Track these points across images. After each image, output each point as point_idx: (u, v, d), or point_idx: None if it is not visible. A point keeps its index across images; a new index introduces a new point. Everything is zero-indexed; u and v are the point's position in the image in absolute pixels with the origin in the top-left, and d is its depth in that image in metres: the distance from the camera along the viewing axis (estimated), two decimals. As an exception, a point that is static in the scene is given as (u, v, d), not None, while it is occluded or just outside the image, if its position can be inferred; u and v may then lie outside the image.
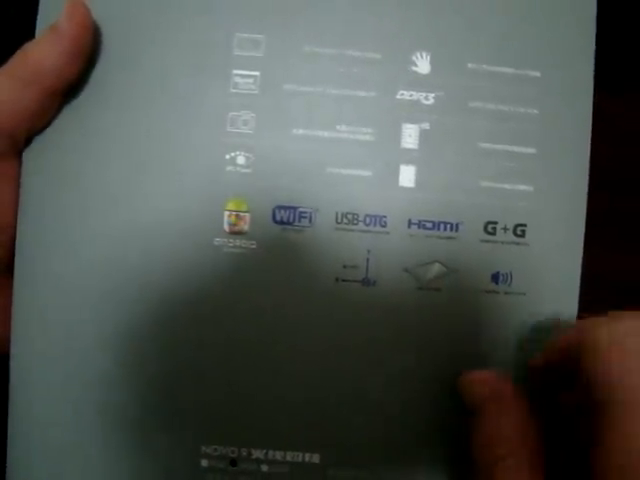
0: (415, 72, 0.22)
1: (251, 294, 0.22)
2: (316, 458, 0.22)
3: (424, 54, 0.22)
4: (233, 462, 0.22)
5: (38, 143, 0.22)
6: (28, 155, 0.22)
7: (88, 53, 0.21)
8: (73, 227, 0.22)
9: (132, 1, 0.22)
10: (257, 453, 0.22)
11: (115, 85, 0.22)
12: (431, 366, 0.22)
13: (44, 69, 0.20)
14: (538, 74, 0.22)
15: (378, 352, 0.22)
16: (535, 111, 0.22)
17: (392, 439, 0.22)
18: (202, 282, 0.22)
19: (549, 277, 0.22)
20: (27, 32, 0.21)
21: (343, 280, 0.22)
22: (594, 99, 0.23)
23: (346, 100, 0.22)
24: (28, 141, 0.22)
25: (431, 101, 0.22)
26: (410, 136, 0.22)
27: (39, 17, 0.21)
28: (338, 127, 0.22)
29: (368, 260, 0.22)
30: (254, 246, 0.22)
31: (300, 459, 0.22)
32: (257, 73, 0.22)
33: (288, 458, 0.22)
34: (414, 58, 0.22)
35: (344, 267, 0.22)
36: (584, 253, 0.23)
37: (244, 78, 0.22)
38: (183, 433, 0.22)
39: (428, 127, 0.22)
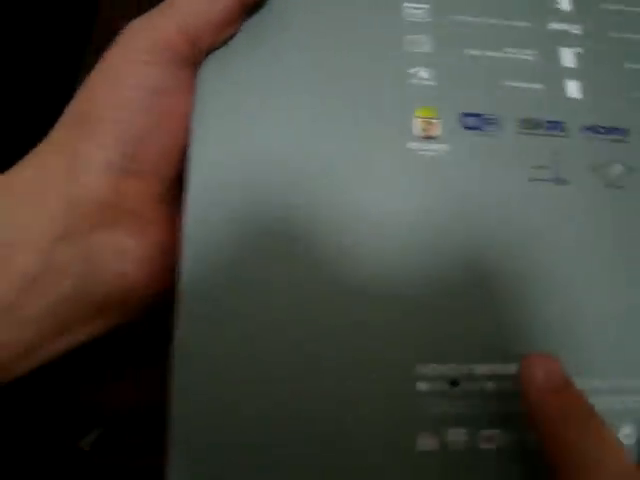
0: (558, 9, 0.25)
1: (449, 196, 0.21)
2: None
3: (563, -4, 0.25)
4: (454, 382, 0.20)
5: (214, 61, 0.22)
6: (205, 69, 0.22)
7: None
8: (245, 138, 0.21)
9: None
10: (480, 369, 0.20)
11: (298, 11, 0.23)
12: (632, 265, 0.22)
13: None
14: None
15: (583, 254, 0.22)
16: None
17: (621, 345, 0.21)
18: (400, 184, 0.21)
19: None
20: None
21: (536, 179, 0.22)
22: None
23: (506, 28, 0.24)
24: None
25: (578, 31, 0.25)
26: (568, 57, 0.24)
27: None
28: (505, 49, 0.24)
29: (556, 161, 0.22)
30: (447, 149, 0.22)
31: None
32: (427, 6, 0.24)
33: (514, 371, 0.20)
34: (556, -1, 0.25)
35: (534, 167, 0.22)
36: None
37: (416, 10, 0.24)
38: (394, 350, 0.20)
39: (582, 51, 0.24)
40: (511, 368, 0.20)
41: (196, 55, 0.21)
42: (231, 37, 0.22)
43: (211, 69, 0.22)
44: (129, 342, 0.27)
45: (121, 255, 0.20)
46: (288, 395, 0.19)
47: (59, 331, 0.20)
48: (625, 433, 0.20)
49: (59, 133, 0.20)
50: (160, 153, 0.21)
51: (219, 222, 0.20)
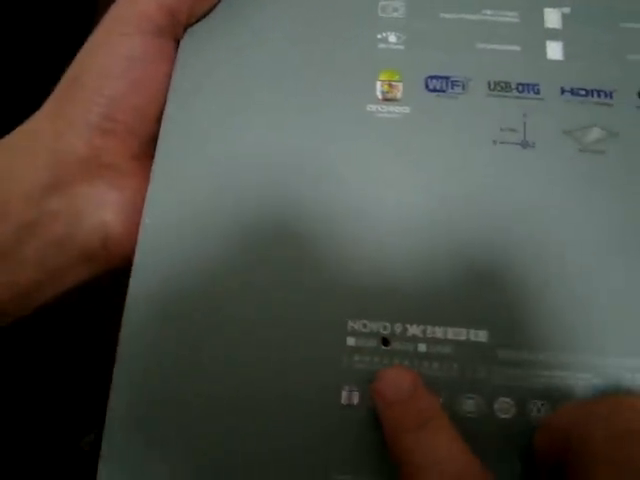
0: (550, -31, 0.24)
1: (406, 158, 0.21)
2: (483, 336, 0.20)
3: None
4: (385, 341, 0.20)
5: (195, 34, 0.23)
6: (185, 42, 0.23)
7: None
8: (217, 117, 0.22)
9: None
10: (414, 330, 0.20)
11: None
12: (600, 232, 0.20)
13: None
14: None
15: (541, 218, 0.21)
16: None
17: (565, 319, 0.20)
18: (356, 145, 0.21)
19: None
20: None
21: (501, 142, 0.21)
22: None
23: (488, -9, 0.23)
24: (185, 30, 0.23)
25: (568, -10, 0.23)
26: (553, 18, 0.23)
27: None
28: (484, 11, 0.23)
29: (525, 124, 0.21)
30: (407, 111, 0.22)
31: (464, 337, 0.20)
32: (404, -28, 0.24)
33: (450, 336, 0.20)
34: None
35: (501, 130, 0.21)
36: None
37: (392, -24, 0.24)
38: (328, 306, 0.20)
39: (569, 11, 0.23)
40: (446, 331, 0.19)
41: (175, 26, 0.23)
42: (212, 9, 0.24)
43: (190, 43, 0.23)
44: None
45: (101, 205, 0.22)
46: (213, 341, 0.20)
47: (51, 274, 0.22)
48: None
49: (50, 102, 0.23)
50: (137, 115, 0.23)
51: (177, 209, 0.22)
